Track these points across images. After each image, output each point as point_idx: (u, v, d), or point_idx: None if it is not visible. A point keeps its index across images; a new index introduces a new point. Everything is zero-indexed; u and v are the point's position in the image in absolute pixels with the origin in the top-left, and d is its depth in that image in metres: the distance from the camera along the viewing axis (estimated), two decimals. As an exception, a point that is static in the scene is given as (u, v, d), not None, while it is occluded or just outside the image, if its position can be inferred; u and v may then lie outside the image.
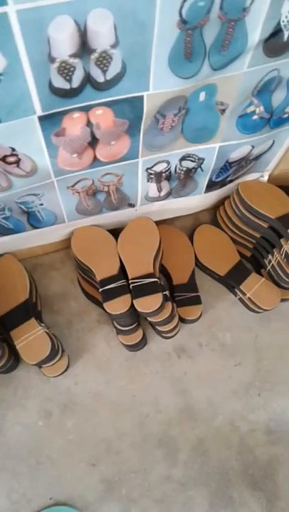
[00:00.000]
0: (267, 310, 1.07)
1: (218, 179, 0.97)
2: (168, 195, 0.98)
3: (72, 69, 0.56)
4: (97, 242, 1.01)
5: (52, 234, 0.98)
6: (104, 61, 0.57)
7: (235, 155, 0.90)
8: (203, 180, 0.96)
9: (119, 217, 1.02)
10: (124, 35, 0.55)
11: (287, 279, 1.05)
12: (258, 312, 1.09)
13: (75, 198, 0.88)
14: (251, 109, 0.78)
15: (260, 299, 1.07)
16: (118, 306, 0.91)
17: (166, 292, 0.96)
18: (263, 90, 0.74)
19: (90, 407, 1.00)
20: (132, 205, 0.98)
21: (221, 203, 1.16)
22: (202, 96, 0.71)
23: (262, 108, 0.78)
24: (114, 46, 0.56)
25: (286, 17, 0.60)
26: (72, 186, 0.84)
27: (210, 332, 1.10)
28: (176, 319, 1.01)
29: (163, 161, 0.86)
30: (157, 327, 0.99)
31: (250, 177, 1.07)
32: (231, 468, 0.99)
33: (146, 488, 0.96)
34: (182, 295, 1.07)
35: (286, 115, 0.82)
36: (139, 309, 0.89)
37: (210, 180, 0.97)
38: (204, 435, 1.01)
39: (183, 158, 0.87)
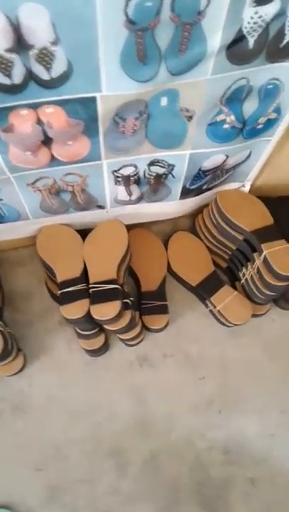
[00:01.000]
0: (236, 325, 1.03)
1: (193, 187, 0.93)
2: (140, 199, 0.94)
3: (10, 64, 0.53)
4: (63, 242, 0.98)
5: (19, 229, 0.95)
6: (46, 58, 0.54)
7: (208, 163, 0.85)
8: (176, 187, 0.92)
9: (90, 218, 0.98)
10: (64, 33, 0.52)
11: (259, 295, 1.00)
12: (228, 326, 1.05)
13: (37, 195, 0.84)
14: (221, 117, 0.74)
15: (230, 313, 1.03)
16: (74, 310, 0.88)
17: (129, 300, 0.93)
18: (233, 99, 0.70)
19: (43, 410, 0.98)
20: (101, 207, 0.95)
21: (201, 210, 1.11)
22: (164, 101, 0.67)
23: (233, 117, 0.74)
24: (55, 43, 0.52)
25: (248, 23, 0.56)
26: (33, 184, 0.80)
27: (176, 343, 1.07)
28: (139, 328, 0.98)
29: (130, 164, 0.82)
30: (117, 335, 0.95)
31: (230, 186, 1.03)
32: (183, 485, 0.96)
33: (92, 498, 0.93)
34: (149, 303, 1.04)
35: (260, 126, 0.78)
36: (94, 316, 0.85)
37: (184, 188, 0.93)
38: (158, 449, 0.98)
39: (151, 164, 0.83)
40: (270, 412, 1.02)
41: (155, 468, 0.97)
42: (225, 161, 0.87)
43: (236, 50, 0.60)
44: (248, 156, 0.89)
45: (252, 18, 0.56)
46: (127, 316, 0.90)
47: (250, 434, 1.00)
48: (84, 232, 0.99)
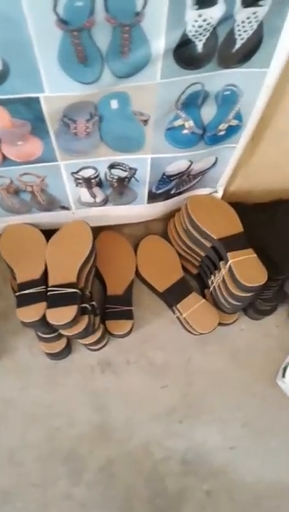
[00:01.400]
0: (202, 333, 1.01)
1: (160, 191, 0.91)
2: (105, 201, 0.92)
3: None
4: (26, 243, 0.96)
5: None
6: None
7: (171, 168, 0.83)
8: (142, 191, 0.90)
9: (56, 219, 0.96)
10: (-6, 31, 0.49)
11: (225, 304, 0.98)
12: (195, 334, 1.02)
13: (-4, 195, 0.82)
14: (179, 122, 0.71)
15: (195, 321, 1.01)
16: (30, 313, 0.86)
17: (89, 304, 0.90)
18: (189, 104, 0.67)
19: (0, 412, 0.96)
20: (66, 208, 0.92)
21: (174, 213, 1.09)
22: (114, 104, 0.64)
23: (192, 123, 0.71)
24: (-15, 42, 0.50)
25: (193, 26, 0.53)
26: (-11, 183, 0.78)
27: (141, 349, 1.05)
28: (99, 334, 0.96)
29: (89, 166, 0.80)
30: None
31: (202, 191, 1.00)
32: (137, 494, 0.94)
33: (43, 504, 0.92)
34: (114, 307, 1.02)
35: (222, 132, 0.75)
36: (49, 320, 0.84)
37: (150, 192, 0.90)
38: (115, 457, 0.96)
39: (112, 166, 0.81)
40: (232, 424, 0.99)
41: (110, 476, 0.95)
42: (189, 166, 0.84)
43: (184, 54, 0.57)
44: (215, 162, 0.86)
45: (196, 21, 0.53)
46: (84, 321, 0.87)
47: (210, 446, 0.98)
48: (52, 233, 0.97)
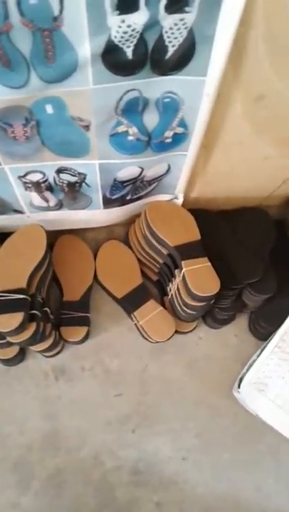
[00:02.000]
0: (158, 342, 0.99)
1: (114, 196, 0.89)
2: (60, 206, 0.90)
3: None
4: (-22, 246, 0.93)
5: None
6: None
7: (122, 174, 0.81)
8: (96, 196, 0.88)
9: (12, 222, 0.94)
10: None
11: (181, 312, 0.96)
12: (151, 342, 1.01)
13: None
14: (122, 128, 0.69)
15: (151, 328, 0.99)
16: (-25, 320, 0.84)
17: (40, 311, 0.89)
18: (129, 111, 0.66)
19: None
20: (19, 212, 0.90)
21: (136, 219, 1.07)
22: (49, 109, 0.63)
23: (135, 129, 0.70)
24: None
25: (117, 32, 0.51)
26: None
27: (97, 356, 1.03)
28: (51, 340, 0.94)
29: (36, 171, 0.78)
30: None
31: (162, 197, 0.98)
32: (85, 504, 0.92)
33: (-12, 512, 0.90)
34: (69, 313, 1.00)
35: (168, 140, 0.73)
36: (-6, 327, 0.81)
37: (105, 197, 0.89)
38: (64, 465, 0.95)
39: (60, 171, 0.79)
40: (185, 435, 0.98)
41: (59, 486, 0.93)
42: (141, 173, 0.82)
43: (114, 60, 0.56)
44: (168, 169, 0.84)
45: (120, 27, 0.51)
46: (31, 328, 0.86)
47: (162, 456, 0.96)
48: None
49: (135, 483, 0.95)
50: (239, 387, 0.98)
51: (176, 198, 0.99)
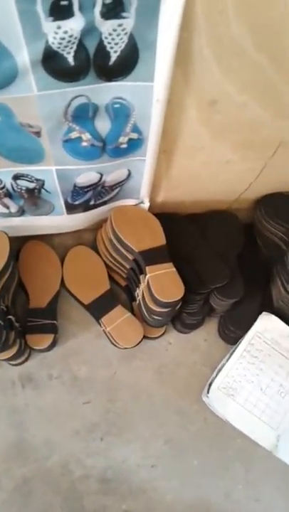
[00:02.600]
0: (126, 348, 0.98)
1: (77, 202, 0.88)
2: (21, 212, 0.89)
3: None
4: None
5: None
6: None
7: (82, 180, 0.80)
8: (57, 202, 0.87)
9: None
10: None
11: (148, 318, 0.95)
12: (120, 348, 1.00)
13: None
14: (75, 134, 0.68)
15: (119, 335, 0.98)
16: None
17: (2, 319, 0.87)
18: (80, 117, 0.65)
19: None
20: (-20, 218, 0.89)
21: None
22: (-5, 116, 0.61)
23: (88, 135, 0.69)
24: None
25: (55, 38, 0.50)
26: None
27: (65, 363, 1.02)
28: (15, 349, 0.92)
29: (-9, 177, 0.76)
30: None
31: (128, 202, 0.97)
32: (53, 515, 0.91)
33: None
34: (35, 321, 0.99)
35: (124, 145, 0.72)
36: None
37: (67, 202, 0.88)
38: (32, 475, 0.93)
39: (17, 178, 0.78)
40: (154, 442, 0.97)
41: (26, 496, 0.92)
42: (101, 178, 0.81)
43: (55, 66, 0.55)
44: (129, 174, 0.83)
45: (56, 33, 0.50)
46: (-9, 337, 0.84)
47: (131, 464, 0.95)
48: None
49: (104, 492, 0.94)
50: (208, 392, 0.97)
51: (142, 202, 0.99)
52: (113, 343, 1.01)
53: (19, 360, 0.98)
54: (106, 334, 1.01)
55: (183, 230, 1.05)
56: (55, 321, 1.00)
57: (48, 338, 0.98)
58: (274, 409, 0.99)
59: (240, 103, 0.69)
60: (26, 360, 1.00)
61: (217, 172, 0.91)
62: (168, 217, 1.02)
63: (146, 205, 0.99)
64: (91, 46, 0.54)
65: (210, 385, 0.99)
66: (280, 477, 0.96)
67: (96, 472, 0.95)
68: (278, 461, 0.97)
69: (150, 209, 1.01)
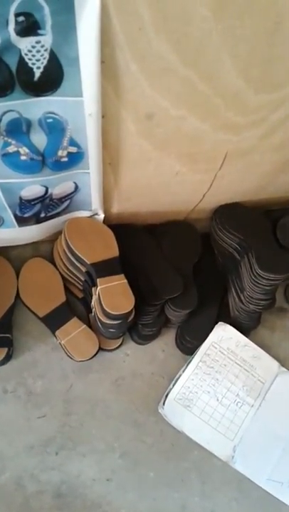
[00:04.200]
0: (81, 361, 0.97)
1: (26, 215, 0.88)
2: None
3: None
4: None
5: None
6: None
7: (27, 193, 0.80)
8: (6, 215, 0.86)
9: None
10: None
11: (102, 329, 0.95)
12: (76, 361, 0.99)
13: None
14: (12, 149, 0.68)
15: (74, 347, 0.98)
16: None
17: None
18: (14, 131, 0.65)
19: None
20: None
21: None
22: None
23: (26, 149, 0.68)
24: None
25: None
26: None
27: (20, 377, 1.01)
28: None
29: None
30: None
31: (81, 214, 0.97)
32: (6, 532, 0.89)
33: None
34: (-12, 334, 0.97)
35: (64, 159, 0.72)
36: None
37: (16, 215, 0.87)
38: (-16, 492, 0.91)
39: None
40: (110, 455, 0.96)
41: (-22, 513, 0.90)
42: (46, 191, 0.81)
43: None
44: (76, 187, 0.83)
45: (-28, 50, 0.50)
46: None
47: (86, 478, 0.94)
48: None
49: (58, 507, 0.93)
50: (164, 403, 0.97)
51: (96, 214, 0.98)
52: (69, 356, 1.00)
53: (-28, 375, 0.96)
54: (62, 347, 1.00)
55: (139, 241, 1.05)
56: (9, 335, 1.00)
57: (2, 352, 0.97)
58: (230, 419, 0.99)
59: (177, 116, 0.69)
60: (-20, 374, 0.98)
61: (168, 183, 0.91)
62: (124, 229, 1.02)
63: (101, 216, 0.99)
64: (12, 63, 0.54)
65: (166, 396, 0.98)
66: (236, 488, 0.96)
67: (50, 487, 0.94)
68: (235, 472, 0.97)
69: (106, 220, 1.00)
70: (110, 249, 0.95)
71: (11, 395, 1.00)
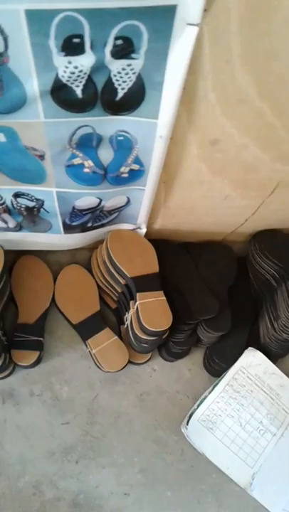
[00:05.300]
0: (110, 372, 0.98)
1: (74, 223, 0.89)
2: (19, 228, 0.90)
3: None
4: None
5: None
6: None
7: (80, 203, 0.81)
8: (55, 222, 0.88)
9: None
10: None
11: (135, 343, 0.95)
12: (103, 371, 0.99)
13: None
14: (78, 161, 0.70)
15: (104, 358, 0.98)
16: None
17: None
18: (83, 145, 0.66)
19: None
20: (-23, 230, 0.90)
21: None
22: (1, 137, 0.62)
23: (91, 163, 0.70)
24: None
25: (65, 72, 0.52)
26: None
27: (47, 382, 1.01)
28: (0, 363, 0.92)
29: (-8, 193, 0.78)
30: None
31: (125, 226, 0.98)
32: (20, 535, 0.89)
33: None
34: (22, 336, 0.99)
35: (125, 175, 0.74)
36: None
37: (65, 223, 0.89)
38: (2, 493, 0.92)
39: (17, 196, 0.79)
40: (130, 470, 0.96)
41: (-5, 514, 0.90)
42: (100, 203, 0.82)
43: (63, 97, 0.56)
44: (128, 201, 0.84)
45: (67, 67, 0.52)
46: (-25, 350, 0.84)
47: (104, 490, 0.94)
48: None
49: (73, 516, 0.92)
50: (188, 423, 0.97)
51: (139, 227, 1.00)
52: (97, 366, 1.01)
53: (2, 375, 0.97)
54: (91, 356, 1.01)
55: (176, 258, 1.06)
56: (41, 338, 1.01)
57: (33, 355, 0.98)
58: (252, 446, 0.98)
59: (241, 144, 0.71)
60: (9, 375, 1.00)
61: (215, 206, 0.93)
62: (162, 244, 1.03)
63: (143, 230, 1.00)
64: (100, 82, 0.55)
65: (190, 416, 0.98)
66: (252, 516, 0.95)
67: (68, 495, 0.94)
68: (251, 500, 0.96)
69: (146, 235, 1.02)
70: (151, 264, 0.96)
71: (37, 399, 1.01)
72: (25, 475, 0.94)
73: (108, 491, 0.95)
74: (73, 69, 0.52)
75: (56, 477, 0.95)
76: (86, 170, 0.73)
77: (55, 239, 0.98)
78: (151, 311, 0.89)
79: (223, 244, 1.11)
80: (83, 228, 0.95)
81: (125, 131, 0.65)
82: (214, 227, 1.05)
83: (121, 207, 0.88)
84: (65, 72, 0.53)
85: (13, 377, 1.01)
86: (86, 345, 1.02)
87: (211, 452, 0.97)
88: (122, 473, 0.97)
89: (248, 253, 1.08)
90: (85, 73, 0.54)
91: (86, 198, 0.81)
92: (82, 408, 1.01)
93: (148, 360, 1.05)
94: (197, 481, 0.98)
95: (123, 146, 0.67)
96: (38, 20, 0.46)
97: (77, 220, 0.89)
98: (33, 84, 0.54)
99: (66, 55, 0.51)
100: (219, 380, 1.02)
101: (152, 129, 0.64)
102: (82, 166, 0.72)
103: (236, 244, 1.12)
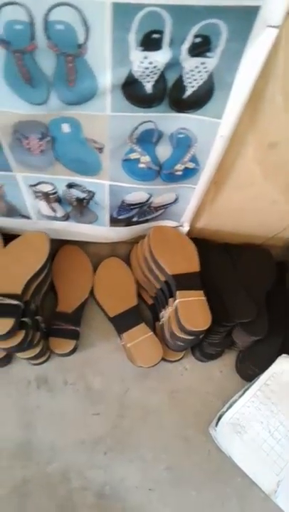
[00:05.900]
0: (142, 367, 0.99)
1: (121, 217, 0.90)
2: (67, 217, 0.92)
3: None
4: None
5: None
6: None
7: (130, 198, 0.82)
8: (102, 214, 0.89)
9: (19, 225, 0.96)
10: None
11: (170, 341, 0.96)
12: (136, 365, 1.00)
13: None
14: (135, 155, 0.71)
15: (138, 353, 0.99)
16: None
17: (32, 319, 0.89)
18: (143, 140, 0.67)
19: None
20: (26, 217, 0.92)
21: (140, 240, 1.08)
22: (66, 128, 0.64)
23: (148, 158, 0.71)
24: None
25: (139, 67, 0.53)
26: None
27: (81, 371, 1.03)
28: (38, 349, 0.94)
29: (47, 182, 0.80)
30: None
31: (168, 223, 0.99)
32: (46, 520, 0.91)
33: None
34: (60, 325, 1.00)
35: (179, 173, 0.74)
36: (-19, 329, 0.82)
37: (111, 216, 0.90)
38: (31, 477, 0.94)
39: (70, 186, 0.80)
40: (156, 466, 0.97)
41: (23, 496, 0.93)
42: (149, 199, 0.83)
43: (133, 92, 0.57)
44: (176, 199, 0.85)
45: (142, 62, 0.53)
46: (19, 335, 0.86)
47: (129, 484, 0.95)
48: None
49: (98, 507, 0.94)
50: (216, 425, 0.97)
51: (181, 225, 1.00)
52: (130, 360, 1.01)
53: (39, 361, 0.99)
54: (125, 349, 1.02)
55: (216, 258, 1.06)
56: (78, 328, 1.02)
57: (70, 344, 0.99)
58: (279, 453, 0.98)
59: (299, 149, 0.70)
60: (45, 361, 1.02)
61: (261, 209, 0.92)
62: (203, 244, 1.03)
63: (186, 229, 1.01)
64: (171, 79, 0.56)
65: (219, 418, 0.98)
66: (275, 523, 0.94)
67: (94, 486, 0.95)
68: (275, 507, 0.95)
69: (188, 233, 1.02)
70: (192, 263, 0.97)
71: (71, 387, 1.02)
72: (54, 462, 0.96)
73: (133, 485, 0.96)
74: (148, 64, 0.53)
75: (84, 467, 0.96)
76: (141, 165, 0.74)
77: (99, 231, 0.99)
78: (190, 310, 0.89)
79: (263, 248, 1.10)
80: (128, 222, 0.95)
81: (187, 129, 0.65)
82: (256, 230, 1.05)
83: (168, 204, 0.89)
84: (139, 67, 0.54)
85: (49, 364, 1.03)
86: (120, 339, 1.03)
87: (238, 456, 0.97)
88: (149, 469, 0.97)
89: (286, 258, 1.07)
90: (159, 69, 0.54)
91: (137, 193, 0.82)
92: (113, 400, 1.02)
93: (181, 359, 1.05)
94: (222, 483, 0.98)
95: (182, 143, 0.68)
96: (122, 13, 0.47)
97: (124, 214, 0.90)
98: (106, 78, 0.55)
99: (143, 50, 0.52)
100: (251, 385, 1.01)
101: (214, 128, 0.64)
102: (138, 160, 0.73)
103: (275, 248, 1.11)
